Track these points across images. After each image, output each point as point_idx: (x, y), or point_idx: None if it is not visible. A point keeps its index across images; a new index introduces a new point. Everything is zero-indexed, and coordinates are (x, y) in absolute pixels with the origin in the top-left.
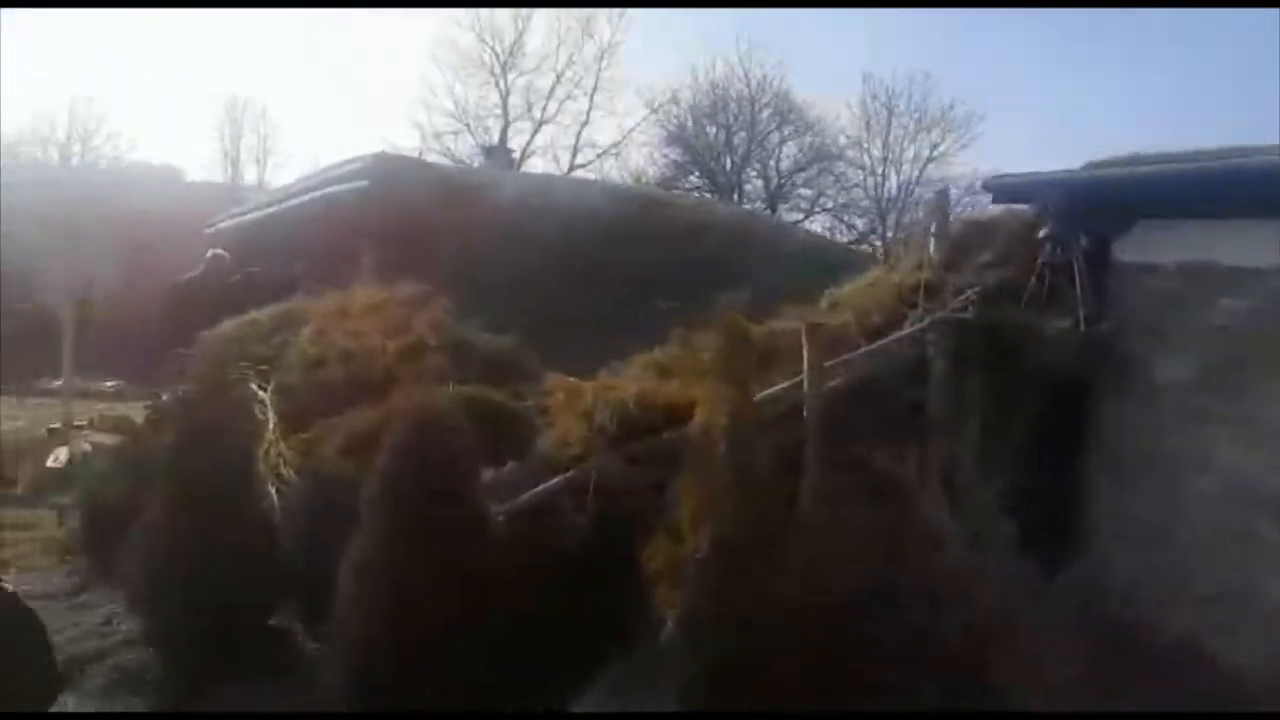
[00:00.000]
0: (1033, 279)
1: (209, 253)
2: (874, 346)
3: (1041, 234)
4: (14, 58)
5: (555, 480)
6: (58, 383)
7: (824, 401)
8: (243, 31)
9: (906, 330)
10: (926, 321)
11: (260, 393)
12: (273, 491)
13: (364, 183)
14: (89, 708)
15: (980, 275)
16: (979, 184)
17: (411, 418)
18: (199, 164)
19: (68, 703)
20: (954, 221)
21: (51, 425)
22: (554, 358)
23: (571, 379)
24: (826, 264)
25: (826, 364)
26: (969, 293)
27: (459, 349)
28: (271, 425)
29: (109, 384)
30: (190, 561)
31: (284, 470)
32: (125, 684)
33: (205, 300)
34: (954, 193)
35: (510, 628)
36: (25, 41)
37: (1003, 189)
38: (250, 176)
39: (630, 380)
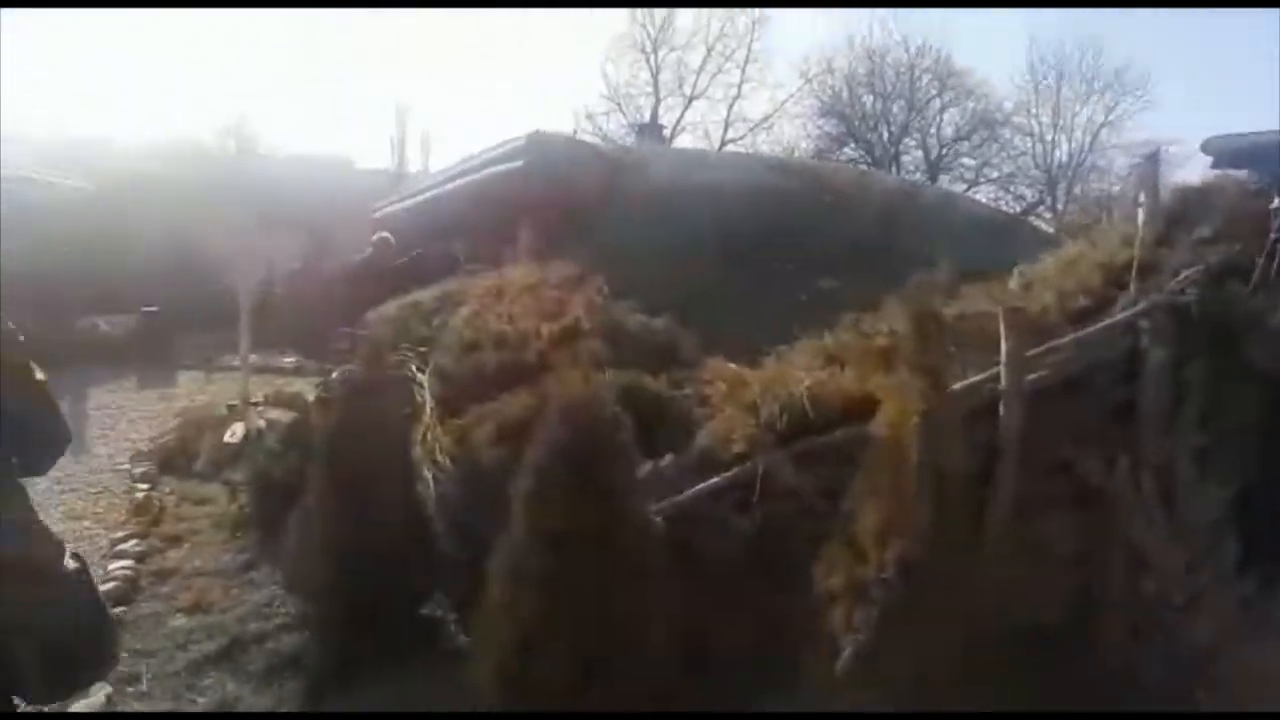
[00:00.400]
0: (1262, 257)
1: (375, 235)
2: (1083, 334)
3: (1274, 205)
4: (193, 57)
5: (716, 479)
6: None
7: (1025, 397)
8: (407, 23)
9: (1118, 316)
10: (1141, 306)
11: (419, 375)
12: (429, 477)
13: (519, 162)
14: (246, 691)
15: (1199, 252)
16: (1162, 149)
17: (565, 408)
18: (367, 153)
19: (226, 685)
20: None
21: (230, 402)
22: (711, 341)
23: (733, 366)
24: (1003, 238)
25: (1029, 354)
26: (1188, 273)
27: (613, 332)
28: (428, 409)
29: (287, 360)
30: (344, 546)
31: (439, 456)
32: (283, 668)
33: (373, 281)
34: (1130, 161)
35: (667, 639)
36: (201, 42)
37: (1225, 151)
38: (415, 164)
39: (797, 368)
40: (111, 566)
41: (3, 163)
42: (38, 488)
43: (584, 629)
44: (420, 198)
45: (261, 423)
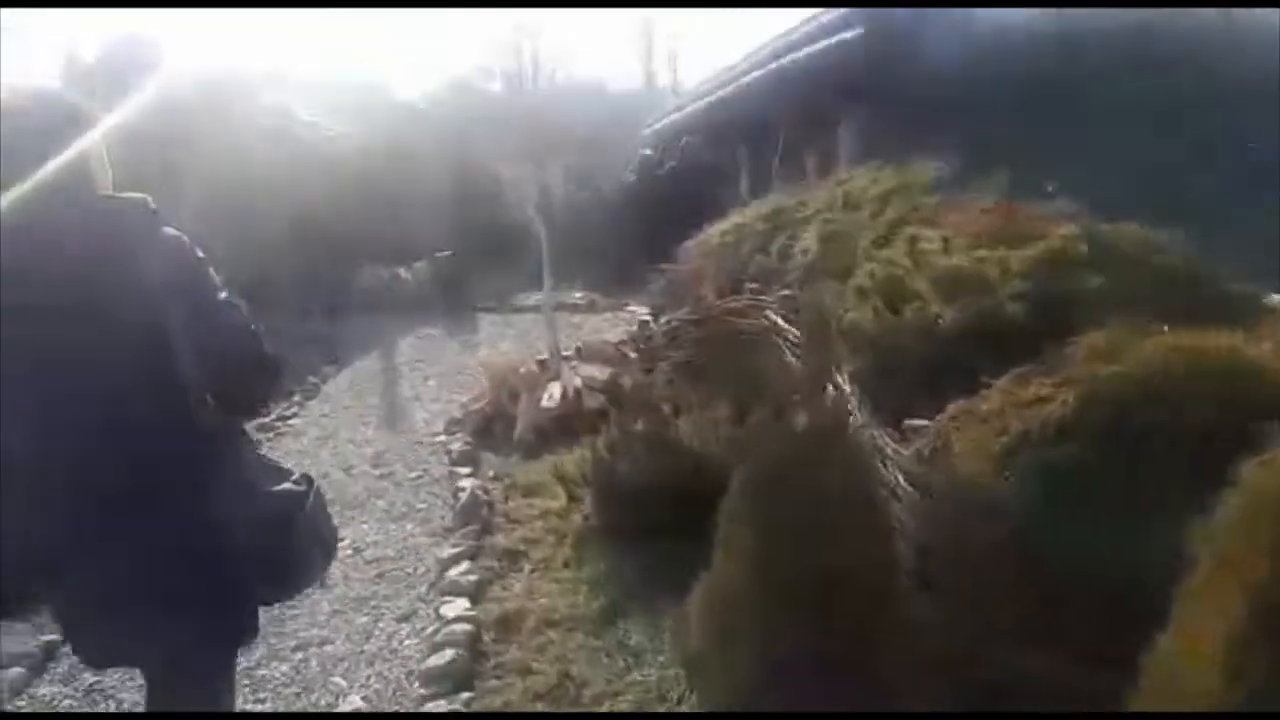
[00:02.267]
0: None
1: (639, 153)
2: None
3: None
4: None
5: None
6: (536, 297)
7: None
8: None
9: None
10: None
11: (788, 330)
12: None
13: (857, 31)
14: None
15: None
16: None
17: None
18: (616, 76)
19: None
20: None
21: (539, 356)
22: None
23: None
24: None
25: None
26: None
27: (1106, 260)
28: (848, 397)
29: (578, 295)
30: (796, 652)
31: (895, 479)
32: None
33: (646, 201)
34: None
35: None
36: None
37: None
38: (663, 79)
39: None
40: (446, 611)
41: (283, 111)
42: (354, 474)
43: None
44: (697, 105)
45: (578, 381)
